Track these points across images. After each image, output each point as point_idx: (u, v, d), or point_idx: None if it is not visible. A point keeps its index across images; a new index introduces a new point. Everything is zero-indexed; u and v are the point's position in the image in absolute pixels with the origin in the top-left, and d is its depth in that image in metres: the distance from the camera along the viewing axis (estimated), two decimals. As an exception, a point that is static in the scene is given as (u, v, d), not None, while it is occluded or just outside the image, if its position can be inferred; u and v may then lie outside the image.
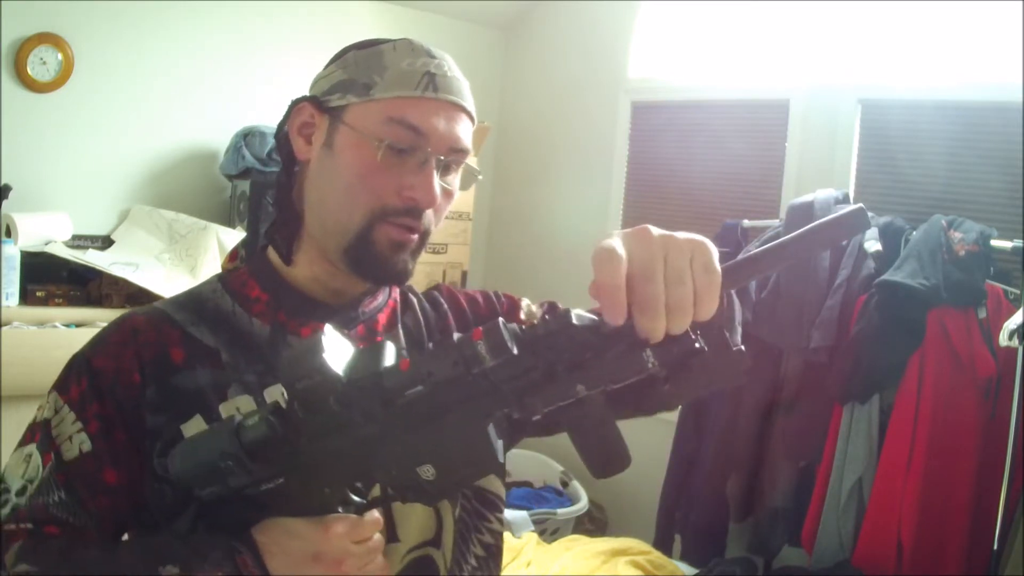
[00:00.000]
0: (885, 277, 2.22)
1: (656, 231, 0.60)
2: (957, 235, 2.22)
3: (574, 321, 0.61)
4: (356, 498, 0.70)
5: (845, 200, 2.53)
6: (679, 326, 0.59)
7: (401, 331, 0.95)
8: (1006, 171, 2.34)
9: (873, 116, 2.71)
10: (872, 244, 2.35)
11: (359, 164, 0.82)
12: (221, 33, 3.05)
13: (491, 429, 0.65)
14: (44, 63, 2.70)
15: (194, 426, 0.75)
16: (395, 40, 0.87)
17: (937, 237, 2.22)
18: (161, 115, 2.97)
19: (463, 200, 3.30)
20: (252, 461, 0.65)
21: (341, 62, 0.87)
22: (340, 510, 0.70)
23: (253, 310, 0.88)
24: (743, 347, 0.63)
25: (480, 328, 0.62)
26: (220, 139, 3.03)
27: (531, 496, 3.09)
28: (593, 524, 3.17)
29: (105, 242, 2.84)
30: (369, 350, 0.67)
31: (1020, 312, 1.98)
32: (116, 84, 2.86)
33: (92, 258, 2.65)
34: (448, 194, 0.87)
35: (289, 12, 3.19)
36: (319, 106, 0.86)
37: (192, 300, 0.89)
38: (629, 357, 0.60)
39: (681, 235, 0.60)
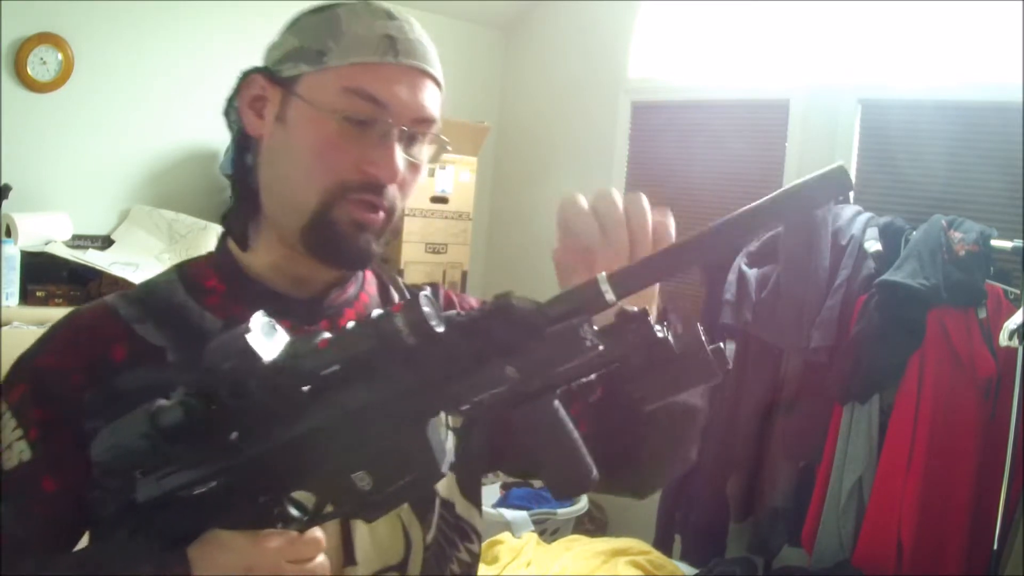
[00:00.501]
0: (885, 277, 2.22)
1: None
2: (957, 235, 2.22)
3: (513, 303, 0.57)
4: (296, 512, 0.64)
5: (845, 200, 2.53)
6: (641, 227, 0.68)
7: None
8: (1006, 171, 2.34)
9: (873, 116, 2.71)
10: (872, 244, 2.35)
11: (314, 139, 0.76)
12: (221, 33, 3.05)
13: (431, 431, 0.60)
14: (44, 63, 2.70)
15: None
16: (351, 2, 0.80)
17: (937, 237, 2.22)
18: (161, 115, 2.97)
19: (463, 200, 3.30)
20: (168, 444, 0.60)
21: (294, 28, 0.81)
22: (280, 526, 0.64)
23: (206, 302, 0.81)
24: (721, 345, 0.58)
25: (401, 302, 0.59)
26: (220, 139, 3.03)
27: (531, 496, 3.09)
28: (593, 524, 3.17)
29: (105, 242, 2.84)
30: (301, 337, 0.63)
31: (1020, 312, 1.97)
32: (116, 84, 2.86)
33: (92, 258, 2.65)
34: (414, 168, 0.80)
35: (289, 12, 3.18)
36: (271, 77, 0.79)
37: (143, 294, 0.83)
38: (566, 335, 0.55)
39: None
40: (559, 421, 0.59)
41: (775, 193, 0.57)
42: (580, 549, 2.46)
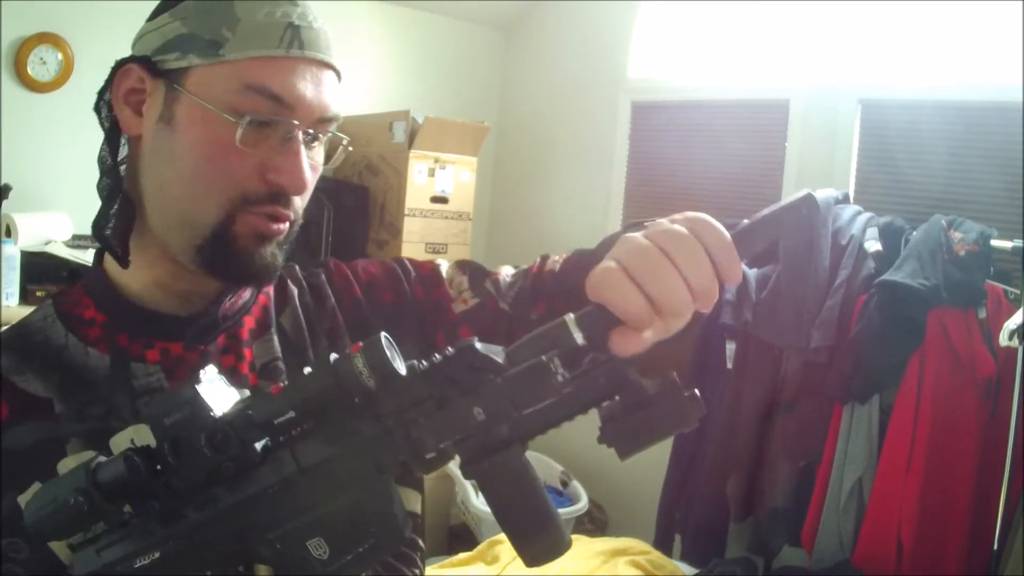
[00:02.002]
0: (885, 277, 2.22)
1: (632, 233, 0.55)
2: (957, 235, 2.22)
3: (477, 346, 0.54)
4: None
5: (845, 200, 2.53)
6: (703, 289, 0.52)
7: (276, 336, 0.77)
8: (1006, 171, 2.34)
9: (873, 116, 2.71)
10: (872, 244, 2.35)
11: (210, 144, 0.66)
12: (221, 33, 3.05)
13: (393, 488, 0.56)
14: (44, 63, 2.70)
15: None
16: None
17: (937, 237, 2.22)
18: (161, 115, 2.97)
19: (463, 200, 3.29)
20: (107, 502, 0.54)
21: (177, 11, 0.69)
22: None
23: (90, 336, 0.72)
24: (696, 391, 0.53)
25: (359, 343, 0.53)
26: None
27: (531, 496, 3.08)
28: (593, 524, 3.17)
29: (105, 242, 2.84)
30: (254, 392, 0.58)
31: (1020, 312, 1.97)
32: (116, 84, 2.87)
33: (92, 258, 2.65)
34: (316, 171, 0.72)
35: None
36: (151, 68, 0.68)
37: (18, 337, 0.73)
38: (535, 370, 0.52)
39: (660, 219, 0.55)
40: (529, 478, 0.55)
41: (745, 223, 0.56)
42: (580, 549, 2.46)
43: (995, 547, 2.04)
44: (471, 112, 3.61)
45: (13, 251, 2.50)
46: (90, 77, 2.80)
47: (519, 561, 2.23)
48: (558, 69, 3.75)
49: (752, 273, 2.54)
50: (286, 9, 0.68)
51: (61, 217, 2.69)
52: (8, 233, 2.55)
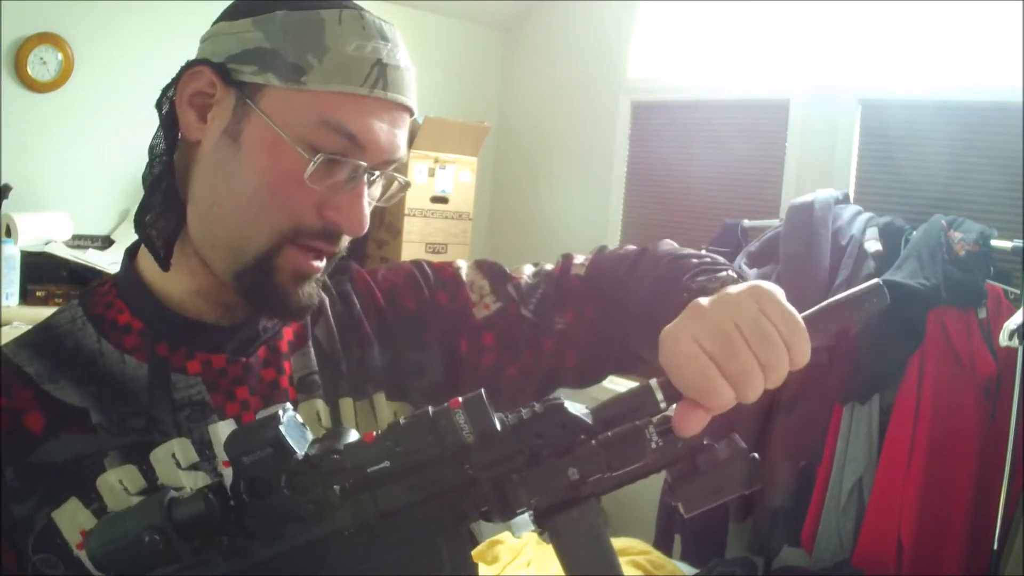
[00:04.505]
0: (885, 277, 2.22)
1: (705, 302, 0.55)
2: (957, 235, 2.22)
3: (567, 406, 0.55)
4: None
5: (845, 200, 2.53)
6: (776, 381, 0.55)
7: (312, 348, 0.75)
8: (1006, 171, 2.34)
9: (873, 116, 2.71)
10: (872, 244, 2.35)
11: (275, 172, 0.64)
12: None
13: (468, 535, 0.57)
14: (44, 63, 2.71)
15: (70, 511, 0.63)
16: (341, 6, 0.65)
17: (937, 237, 2.22)
18: (161, 115, 2.97)
19: (463, 200, 3.29)
20: (181, 540, 0.53)
21: (261, 20, 0.65)
22: None
23: (125, 343, 0.68)
24: (756, 455, 0.57)
25: (459, 398, 0.53)
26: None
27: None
28: (593, 524, 3.17)
29: (105, 242, 2.84)
30: (329, 433, 0.59)
31: (1020, 312, 1.98)
32: (116, 84, 2.86)
33: (92, 258, 2.65)
34: (369, 206, 0.70)
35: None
36: (224, 75, 0.65)
37: (47, 341, 0.68)
38: (631, 436, 0.54)
39: (733, 291, 0.56)
40: (601, 532, 0.56)
41: (815, 311, 0.58)
42: (580, 549, 2.45)
43: (995, 547, 2.04)
44: (471, 112, 3.61)
45: (13, 251, 2.51)
46: (90, 77, 2.80)
47: (519, 561, 2.24)
48: (558, 69, 3.75)
49: (752, 273, 2.54)
50: (376, 45, 0.65)
51: (61, 217, 2.69)
52: (8, 233, 2.55)
